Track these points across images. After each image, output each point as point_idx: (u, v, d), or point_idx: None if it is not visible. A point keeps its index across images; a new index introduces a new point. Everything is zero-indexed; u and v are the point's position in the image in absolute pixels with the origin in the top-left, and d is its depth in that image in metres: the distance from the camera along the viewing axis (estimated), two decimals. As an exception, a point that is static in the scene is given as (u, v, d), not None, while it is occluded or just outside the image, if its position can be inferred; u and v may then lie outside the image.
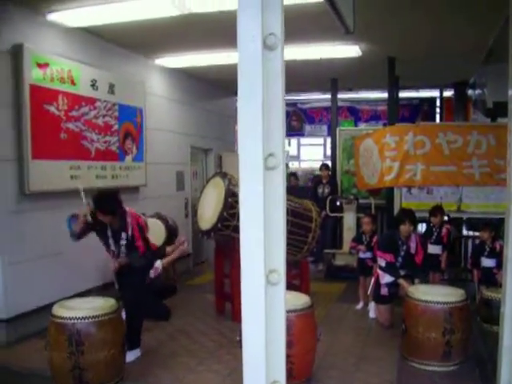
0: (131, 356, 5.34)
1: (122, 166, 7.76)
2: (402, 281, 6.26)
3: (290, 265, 7.22)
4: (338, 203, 10.20)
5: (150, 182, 8.52)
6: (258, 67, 1.22)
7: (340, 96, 11.85)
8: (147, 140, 8.42)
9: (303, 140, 16.37)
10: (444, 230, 7.60)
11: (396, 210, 8.21)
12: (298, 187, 11.85)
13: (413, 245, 6.47)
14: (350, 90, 12.68)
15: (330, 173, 10.57)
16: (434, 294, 5.33)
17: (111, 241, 5.48)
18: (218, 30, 6.65)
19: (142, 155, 8.29)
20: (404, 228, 6.37)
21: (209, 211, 6.59)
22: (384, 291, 6.50)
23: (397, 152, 7.90)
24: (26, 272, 6.07)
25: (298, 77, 9.53)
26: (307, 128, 15.19)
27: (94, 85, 7.05)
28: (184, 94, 10.11)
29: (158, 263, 6.78)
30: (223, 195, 6.27)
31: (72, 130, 6.63)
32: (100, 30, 6.95)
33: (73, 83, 6.64)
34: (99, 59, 7.34)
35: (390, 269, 6.37)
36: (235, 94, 12.28)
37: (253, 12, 1.23)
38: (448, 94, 13.12)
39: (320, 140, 16.27)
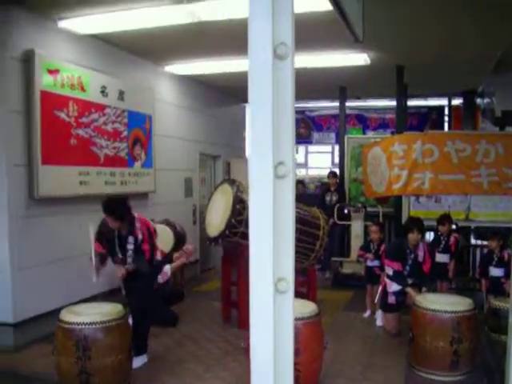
0: (138, 362, 5.35)
1: (131, 172, 7.79)
2: (409, 289, 6.24)
3: (298, 272, 7.19)
4: (345, 211, 10.19)
5: (159, 189, 8.55)
6: (268, 76, 1.23)
7: (348, 104, 11.86)
8: (156, 146, 8.45)
9: (311, 147, 16.37)
10: (452, 239, 7.58)
11: (404, 219, 8.20)
12: (306, 195, 11.84)
13: (421, 253, 6.46)
14: (359, 98, 12.68)
15: (337, 180, 10.56)
16: (442, 303, 5.31)
17: (118, 248, 5.50)
18: (228, 37, 6.69)
19: (151, 161, 8.32)
20: (412, 236, 6.36)
21: (217, 218, 6.61)
22: (391, 299, 6.49)
23: (405, 160, 7.90)
24: (34, 277, 6.10)
25: (307, 84, 9.55)
26: (315, 135, 15.20)
27: (103, 91, 7.10)
28: (193, 100, 10.15)
29: (167, 268, 6.79)
30: (231, 202, 6.29)
31: (82, 136, 6.67)
32: (110, 37, 7.00)
33: (83, 90, 6.69)
34: (109, 66, 7.39)
35: (397, 277, 6.36)
36: (244, 101, 12.37)
37: (263, 21, 1.24)
38: (456, 102, 13.12)
39: (328, 148, 16.27)
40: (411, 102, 12.22)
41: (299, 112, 14.61)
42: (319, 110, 15.01)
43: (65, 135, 6.40)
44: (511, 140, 7.87)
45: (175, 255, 7.59)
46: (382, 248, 7.27)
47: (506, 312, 5.03)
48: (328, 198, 10.40)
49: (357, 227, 9.69)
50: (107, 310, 4.80)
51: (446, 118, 13.95)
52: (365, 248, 7.70)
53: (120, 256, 5.52)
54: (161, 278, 6.51)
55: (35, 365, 5.38)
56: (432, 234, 8.58)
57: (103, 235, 5.47)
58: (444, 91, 12.18)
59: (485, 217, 9.11)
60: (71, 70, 6.50)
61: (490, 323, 6.13)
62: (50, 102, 6.13)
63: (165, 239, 7.49)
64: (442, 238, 7.64)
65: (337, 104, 11.42)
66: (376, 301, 7.06)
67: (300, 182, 12.00)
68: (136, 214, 5.56)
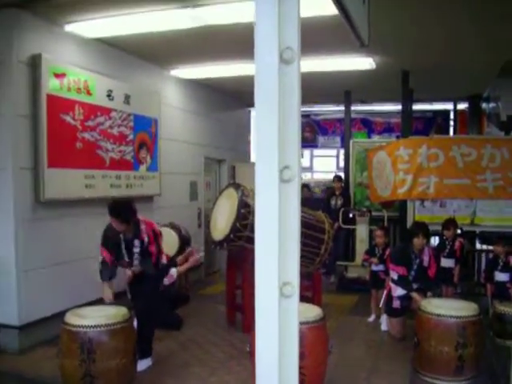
0: (142, 365, 5.35)
1: (137, 176, 7.81)
2: (414, 294, 6.23)
3: (303, 276, 7.19)
4: (350, 215, 10.18)
5: (164, 192, 8.57)
6: (274, 81, 1.24)
7: (353, 108, 11.85)
8: (161, 150, 8.47)
9: (316, 151, 16.35)
10: (457, 244, 7.55)
11: (409, 223, 8.17)
12: (311, 199, 11.83)
13: (426, 258, 6.44)
14: (364, 102, 12.67)
15: (342, 185, 10.55)
16: (447, 308, 5.29)
17: (124, 251, 5.51)
18: (234, 42, 6.70)
19: (157, 165, 8.34)
20: (417, 241, 6.35)
21: (222, 222, 6.61)
22: (396, 304, 6.47)
23: (410, 165, 7.88)
24: (40, 279, 6.11)
25: (312, 88, 9.55)
26: (320, 139, 15.18)
27: (109, 95, 7.12)
28: (198, 104, 10.17)
29: (174, 271, 6.79)
30: (236, 206, 6.29)
31: (87, 139, 6.68)
32: (116, 41, 7.03)
33: (89, 93, 6.71)
34: (115, 70, 7.42)
35: (402, 282, 6.35)
36: (249, 105, 12.40)
37: (270, 26, 1.24)
38: (462, 106, 13.09)
39: (333, 152, 16.25)
40: (416, 107, 12.19)
41: (304, 116, 14.60)
42: (324, 114, 15.00)
43: (71, 139, 6.42)
44: (517, 145, 7.86)
45: (179, 258, 7.59)
46: (387, 252, 7.25)
47: (511, 317, 5.00)
48: (333, 202, 10.39)
49: (362, 231, 9.68)
50: (112, 313, 4.80)
51: (452, 123, 13.91)
52: (370, 252, 7.69)
53: (127, 259, 5.53)
54: (167, 281, 6.52)
55: (40, 367, 5.39)
56: (437, 238, 8.56)
57: (109, 240, 5.48)
58: (449, 96, 12.16)
59: (490, 221, 9.07)
60: (77, 73, 6.52)
61: (495, 328, 6.09)
62: (56, 105, 6.15)
63: (170, 242, 7.50)
64: (447, 242, 7.62)
65: (342, 108, 11.42)
66: (381, 305, 7.04)
67: (305, 186, 11.99)
68: (141, 217, 5.58)
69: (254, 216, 1.26)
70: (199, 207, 10.18)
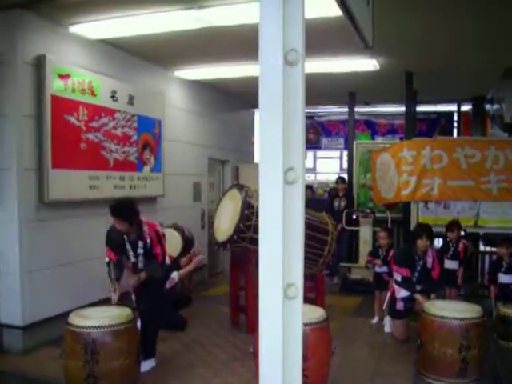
0: (146, 366, 5.36)
1: (140, 177, 7.82)
2: (418, 296, 6.22)
3: (306, 278, 7.17)
4: (354, 217, 10.17)
5: (168, 193, 8.58)
6: (278, 83, 1.24)
7: (357, 109, 11.84)
8: (165, 151, 8.48)
9: (319, 153, 16.37)
10: (461, 245, 7.54)
11: (412, 225, 8.17)
12: (313, 199, 11.82)
13: (429, 260, 6.44)
14: (367, 103, 12.67)
15: (346, 186, 10.53)
16: (451, 310, 5.29)
17: (130, 252, 5.51)
18: (238, 43, 6.71)
19: (160, 166, 8.35)
20: (421, 243, 6.34)
21: (225, 223, 6.62)
22: (400, 306, 6.47)
23: (414, 166, 7.89)
24: (44, 280, 6.13)
25: (316, 90, 9.55)
26: (324, 141, 15.19)
27: (113, 96, 7.13)
28: (202, 105, 10.17)
29: (175, 274, 6.80)
30: (240, 207, 6.30)
31: (91, 140, 6.70)
32: (121, 42, 7.04)
33: (93, 94, 6.72)
34: (119, 71, 7.43)
35: (405, 283, 6.34)
36: (253, 106, 12.41)
37: (274, 27, 1.24)
38: (466, 108, 13.07)
39: (336, 153, 16.26)
40: (420, 108, 12.18)
41: (308, 117, 14.60)
42: (328, 116, 15.00)
43: (75, 139, 6.44)
44: (521, 146, 7.85)
45: (183, 260, 7.59)
46: (391, 254, 7.25)
47: (515, 319, 5.00)
48: (336, 204, 10.38)
49: (365, 233, 9.67)
50: (116, 314, 4.81)
51: (455, 124, 13.91)
52: (373, 254, 7.68)
53: (132, 260, 5.53)
54: (168, 284, 6.53)
55: (44, 368, 5.39)
56: (441, 240, 8.55)
57: (113, 241, 5.48)
58: (453, 97, 12.15)
59: (494, 223, 9.04)
60: (82, 74, 6.54)
61: (499, 330, 6.10)
62: (60, 106, 6.17)
63: (173, 243, 7.51)
64: (450, 244, 7.60)
65: (346, 109, 11.42)
66: (384, 307, 7.04)
67: (309, 188, 11.98)
68: (144, 218, 5.58)
69: (257, 217, 1.27)
70: (202, 208, 10.19)
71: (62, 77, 6.19)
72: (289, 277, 1.25)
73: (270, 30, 1.25)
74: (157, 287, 5.68)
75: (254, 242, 5.89)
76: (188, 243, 8.02)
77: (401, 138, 12.25)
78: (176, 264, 7.18)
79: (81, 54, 6.73)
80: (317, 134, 15.16)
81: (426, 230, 6.43)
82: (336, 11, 4.56)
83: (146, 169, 7.98)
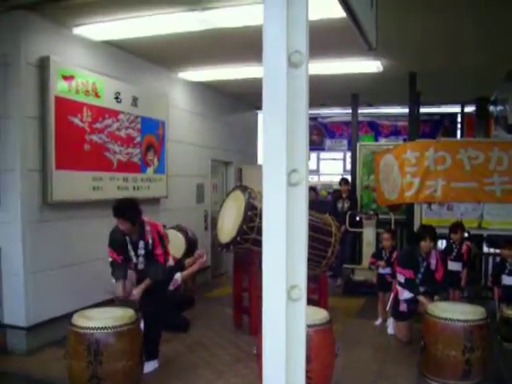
0: (149, 367, 5.36)
1: (144, 178, 7.82)
2: (421, 297, 6.21)
3: (309, 279, 7.16)
4: (357, 218, 10.16)
5: (171, 194, 8.58)
6: (282, 84, 1.24)
7: (360, 111, 11.83)
8: (169, 152, 8.49)
9: (323, 154, 16.38)
10: (464, 247, 7.53)
11: (416, 226, 8.16)
12: (316, 201, 11.82)
13: (433, 261, 6.42)
14: (371, 105, 12.66)
15: (349, 187, 10.52)
16: (454, 312, 5.28)
17: (131, 253, 5.51)
18: (241, 44, 6.72)
19: (164, 167, 8.36)
20: (424, 244, 6.33)
21: (228, 224, 6.62)
22: (403, 307, 6.46)
23: (417, 168, 7.87)
24: (47, 281, 6.14)
25: (320, 91, 9.55)
26: (327, 142, 15.20)
27: (117, 97, 7.14)
28: (206, 107, 10.18)
29: (178, 276, 6.81)
30: (243, 208, 6.30)
31: (95, 141, 6.71)
32: (124, 43, 7.05)
33: (97, 96, 6.73)
34: (123, 72, 7.44)
35: (409, 285, 6.33)
36: (256, 107, 12.42)
37: (278, 29, 1.25)
38: (469, 109, 13.06)
39: (340, 155, 16.26)
40: (424, 109, 12.18)
41: (312, 119, 14.61)
42: (332, 117, 15.01)
43: (79, 141, 6.45)
44: (524, 148, 7.83)
45: (187, 261, 7.60)
46: (394, 255, 7.23)
47: (518, 321, 4.99)
48: (340, 205, 10.37)
49: (368, 234, 9.65)
50: (119, 315, 4.82)
51: (459, 126, 13.90)
52: (376, 255, 7.67)
53: (133, 261, 5.53)
54: (171, 285, 6.53)
55: (48, 369, 5.40)
56: (444, 241, 8.53)
57: (116, 242, 5.49)
58: (457, 98, 12.14)
59: (498, 225, 9.03)
60: (86, 76, 6.55)
61: (503, 332, 6.09)
62: (64, 107, 6.18)
63: (176, 245, 7.52)
64: (454, 246, 7.59)
65: (349, 111, 11.41)
66: (387, 308, 7.03)
67: (312, 189, 11.97)
68: (146, 219, 5.58)
69: (260, 219, 1.27)
70: (206, 209, 10.19)
71: (65, 78, 6.20)
72: (292, 278, 1.25)
73: (274, 31, 1.25)
74: (160, 289, 5.68)
75: (258, 243, 5.89)
76: (191, 244, 8.02)
77: (404, 140, 12.25)
78: (180, 265, 7.18)
79: (85, 56, 6.74)
80: (320, 135, 15.18)
81: (430, 232, 6.42)
82: (339, 13, 4.55)
83: (150, 170, 7.99)
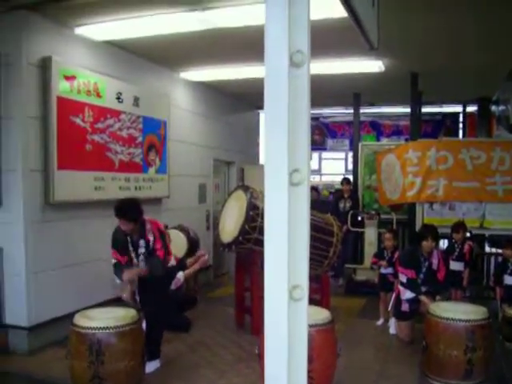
0: (151, 367, 5.36)
1: (146, 178, 7.82)
2: (423, 297, 6.20)
3: (311, 279, 7.13)
4: (359, 218, 10.16)
5: (173, 194, 8.58)
6: (284, 84, 1.24)
7: (362, 111, 11.82)
8: (170, 152, 8.49)
9: (325, 154, 16.36)
10: (466, 247, 7.52)
11: (418, 226, 8.15)
12: (318, 200, 11.81)
13: (435, 261, 6.42)
14: (373, 105, 12.65)
15: (351, 187, 10.51)
16: (456, 312, 5.27)
17: (133, 253, 5.51)
18: (243, 44, 6.71)
19: (165, 167, 8.36)
20: (426, 244, 6.32)
21: (230, 224, 6.62)
22: (405, 307, 6.45)
23: (419, 167, 7.87)
24: (49, 281, 6.14)
25: (321, 91, 9.54)
26: (329, 142, 15.19)
27: (119, 97, 7.14)
28: (207, 107, 10.18)
29: (180, 274, 6.80)
30: (245, 208, 6.30)
31: (97, 141, 6.71)
32: (126, 43, 7.05)
33: (99, 96, 6.74)
34: (125, 72, 7.44)
35: (411, 285, 6.32)
36: (258, 107, 12.41)
37: (280, 29, 1.24)
38: (471, 109, 13.04)
39: (342, 154, 16.25)
40: (425, 109, 12.16)
41: (313, 118, 14.57)
42: (333, 117, 15.00)
43: (80, 141, 6.45)
44: (527, 148, 7.83)
45: (189, 260, 7.60)
46: (396, 255, 7.24)
47: (521, 321, 4.99)
48: (342, 205, 10.36)
49: (370, 234, 9.65)
50: (121, 315, 4.82)
51: (461, 125, 13.88)
52: (378, 255, 7.67)
53: (134, 261, 5.53)
54: (173, 285, 6.53)
55: (49, 368, 5.40)
56: (446, 241, 8.52)
57: (118, 242, 5.49)
58: (458, 98, 12.12)
59: (500, 225, 9.00)
60: (87, 76, 6.55)
61: (505, 332, 6.09)
62: (66, 107, 6.18)
63: (178, 245, 7.52)
64: (456, 245, 7.58)
65: (351, 111, 11.41)
66: (389, 308, 7.02)
67: (314, 189, 11.96)
68: (147, 217, 5.58)
69: (262, 218, 1.27)
70: (208, 209, 10.19)
71: (67, 78, 6.21)
72: (294, 278, 1.25)
73: (276, 31, 1.25)
74: (162, 288, 5.68)
75: (260, 243, 5.89)
76: (193, 244, 8.03)
77: (406, 139, 12.22)
78: (182, 264, 7.18)
79: (86, 56, 6.74)
80: (322, 135, 15.17)
81: (432, 232, 6.42)
82: (341, 12, 4.57)
83: (152, 170, 7.99)
